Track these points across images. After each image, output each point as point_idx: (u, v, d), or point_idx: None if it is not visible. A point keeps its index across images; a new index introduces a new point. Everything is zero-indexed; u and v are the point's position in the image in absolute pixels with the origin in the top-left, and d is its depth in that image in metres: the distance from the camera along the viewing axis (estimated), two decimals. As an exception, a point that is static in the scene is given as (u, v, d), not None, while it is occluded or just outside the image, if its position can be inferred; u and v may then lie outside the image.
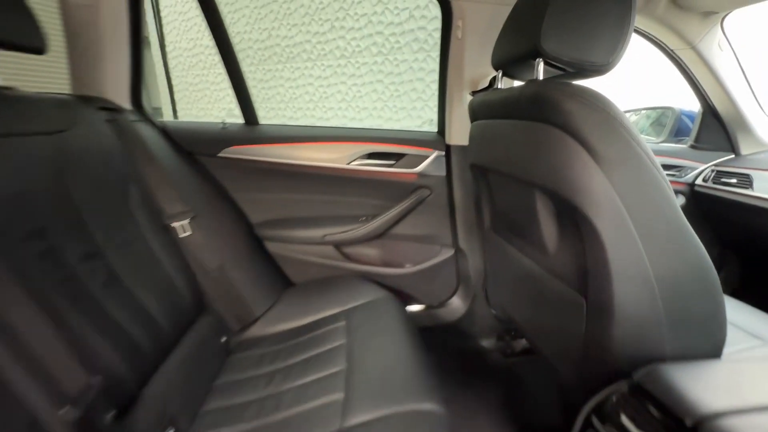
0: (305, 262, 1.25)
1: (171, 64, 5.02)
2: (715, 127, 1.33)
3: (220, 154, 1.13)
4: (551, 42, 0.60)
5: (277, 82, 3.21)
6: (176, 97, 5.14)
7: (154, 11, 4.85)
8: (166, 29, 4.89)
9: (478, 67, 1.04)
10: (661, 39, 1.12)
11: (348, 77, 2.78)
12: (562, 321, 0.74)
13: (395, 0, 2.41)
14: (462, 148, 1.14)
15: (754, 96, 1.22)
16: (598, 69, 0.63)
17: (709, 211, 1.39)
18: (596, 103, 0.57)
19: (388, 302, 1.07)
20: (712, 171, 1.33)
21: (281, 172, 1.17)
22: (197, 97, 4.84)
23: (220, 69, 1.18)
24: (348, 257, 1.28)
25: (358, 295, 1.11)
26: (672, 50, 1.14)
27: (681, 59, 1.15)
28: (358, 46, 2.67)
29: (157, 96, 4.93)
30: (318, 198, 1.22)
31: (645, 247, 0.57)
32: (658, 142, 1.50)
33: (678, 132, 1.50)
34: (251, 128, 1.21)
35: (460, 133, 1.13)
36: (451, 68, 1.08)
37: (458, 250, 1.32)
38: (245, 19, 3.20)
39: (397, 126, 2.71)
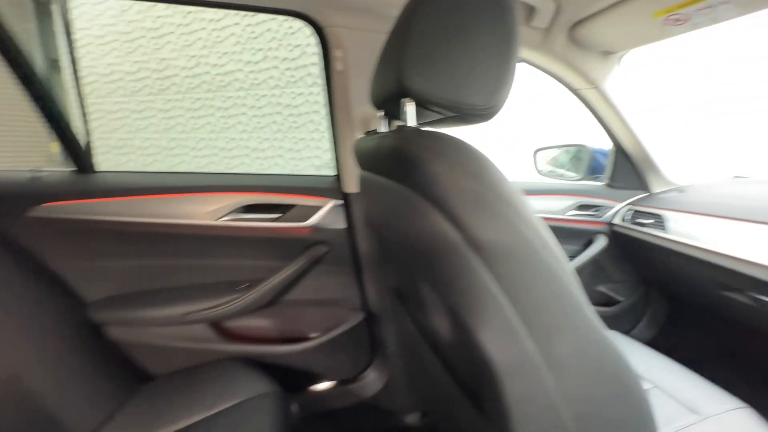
0: (166, 349, 0.96)
1: (86, 90, 4.55)
2: (627, 166, 1.30)
3: (30, 214, 0.83)
4: (417, 79, 0.45)
5: (177, 112, 3.05)
6: (93, 125, 4.68)
7: (66, 33, 4.42)
8: (79, 53, 4.48)
9: (367, 105, 0.89)
10: (565, 78, 1.06)
11: (248, 108, 2.80)
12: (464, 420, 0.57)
13: (289, 37, 2.55)
14: (358, 196, 0.96)
15: (656, 135, 1.21)
16: (481, 113, 0.48)
17: (630, 251, 1.35)
18: (469, 165, 0.41)
19: (266, 402, 0.82)
20: (629, 210, 1.29)
21: (125, 234, 0.90)
22: (116, 126, 4.40)
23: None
24: (228, 335, 1.02)
25: (233, 389, 0.85)
26: (577, 89, 1.08)
27: (586, 99, 1.10)
28: (256, 78, 2.70)
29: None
30: (179, 264, 0.96)
31: (545, 358, 0.41)
32: (576, 180, 1.46)
33: (593, 170, 1.48)
34: (82, 177, 0.93)
35: (356, 179, 0.95)
36: (337, 106, 0.92)
37: (369, 314, 1.12)
38: (143, 48, 3.02)
39: (297, 157, 2.73)
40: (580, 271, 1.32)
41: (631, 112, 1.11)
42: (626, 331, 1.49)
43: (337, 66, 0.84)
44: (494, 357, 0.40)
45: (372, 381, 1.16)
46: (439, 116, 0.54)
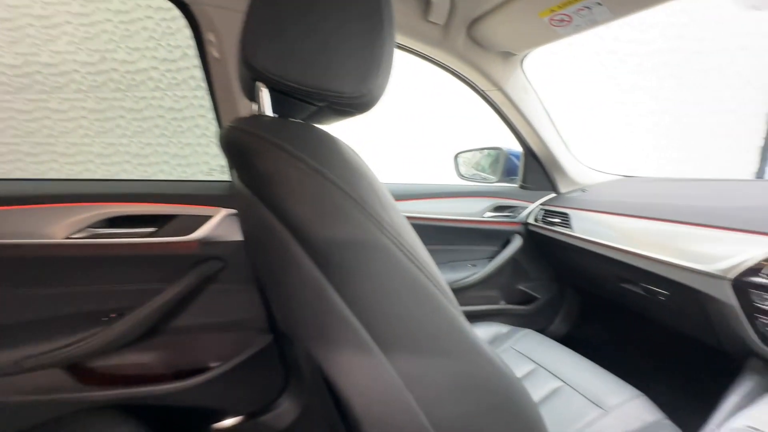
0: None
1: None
2: (537, 168, 1.35)
3: None
4: (265, 58, 0.36)
5: (42, 113, 2.70)
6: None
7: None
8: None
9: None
10: (470, 79, 1.06)
11: (127, 111, 2.58)
12: None
13: (168, 37, 2.40)
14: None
15: (560, 137, 1.27)
16: (352, 103, 0.41)
17: (543, 249, 1.40)
18: (315, 157, 0.33)
19: None
20: (540, 210, 1.34)
21: None
22: (31, 129, 3.74)
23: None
24: (94, 379, 0.83)
25: None
26: (482, 91, 1.09)
27: (492, 101, 1.12)
28: (134, 79, 2.51)
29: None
30: (18, 294, 0.76)
31: (406, 380, 0.34)
32: (493, 183, 1.50)
33: (509, 171, 1.53)
34: None
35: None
36: (220, 100, 0.80)
37: (278, 334, 1.00)
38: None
39: (185, 163, 2.58)
40: (501, 270, 1.33)
41: (535, 114, 1.15)
42: (543, 328, 1.54)
43: (213, 52, 0.73)
44: (343, 381, 0.33)
45: (286, 410, 1.04)
46: (310, 108, 0.47)
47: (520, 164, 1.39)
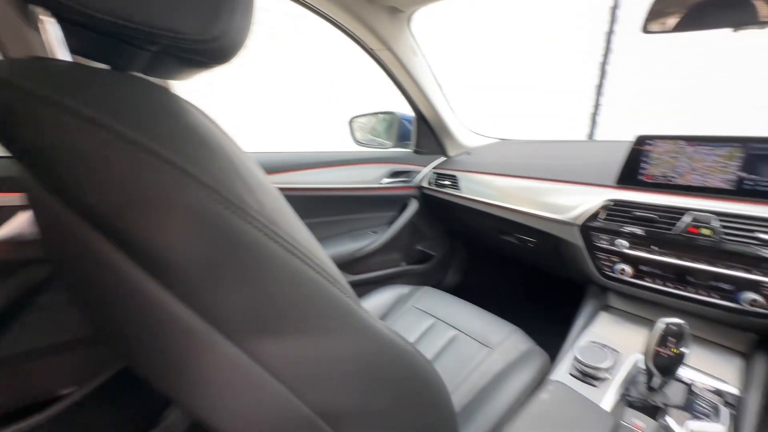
0: None
1: None
2: (428, 132, 1.39)
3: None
4: None
5: None
6: None
7: None
8: None
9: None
10: (359, 36, 0.99)
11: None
12: None
13: None
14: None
15: (447, 101, 1.32)
16: (202, 49, 0.30)
17: (436, 211, 1.49)
18: (119, 127, 0.23)
19: None
20: (433, 174, 1.40)
21: None
22: None
23: None
24: None
25: None
26: (372, 50, 1.03)
27: (382, 61, 1.07)
28: None
29: None
30: None
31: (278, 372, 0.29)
32: (389, 148, 1.50)
33: (403, 136, 1.55)
34: None
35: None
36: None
37: None
38: None
39: None
40: (401, 234, 1.37)
41: (424, 77, 1.16)
42: (439, 282, 1.69)
43: None
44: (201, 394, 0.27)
45: (174, 423, 0.91)
46: (139, 54, 0.34)
47: (412, 129, 1.41)
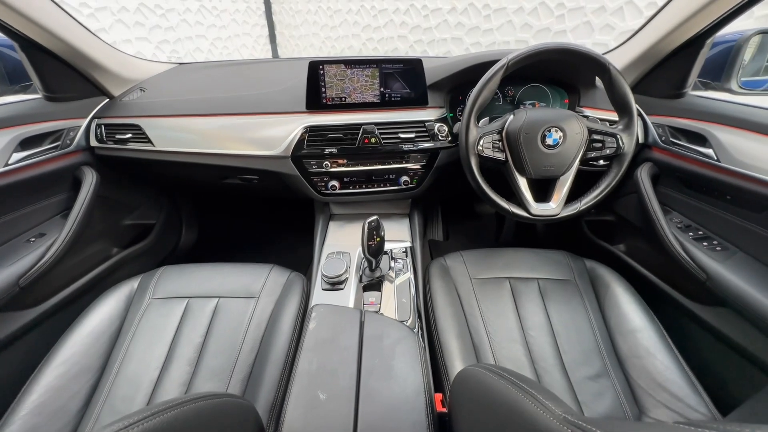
0: None
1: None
2: (61, 68, 0.94)
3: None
4: None
5: None
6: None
7: None
8: None
9: None
10: None
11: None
12: None
13: None
14: None
15: (84, 27, 0.91)
16: None
17: (129, 171, 1.16)
18: None
19: None
20: (99, 127, 1.03)
21: None
22: None
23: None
24: None
25: None
26: None
27: None
28: None
29: None
30: None
31: None
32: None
33: (11, 77, 0.98)
34: None
35: None
36: None
37: None
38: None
39: None
40: (89, 218, 1.00)
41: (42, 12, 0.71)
42: (174, 249, 1.46)
43: None
44: None
45: None
46: None
47: (26, 66, 0.91)
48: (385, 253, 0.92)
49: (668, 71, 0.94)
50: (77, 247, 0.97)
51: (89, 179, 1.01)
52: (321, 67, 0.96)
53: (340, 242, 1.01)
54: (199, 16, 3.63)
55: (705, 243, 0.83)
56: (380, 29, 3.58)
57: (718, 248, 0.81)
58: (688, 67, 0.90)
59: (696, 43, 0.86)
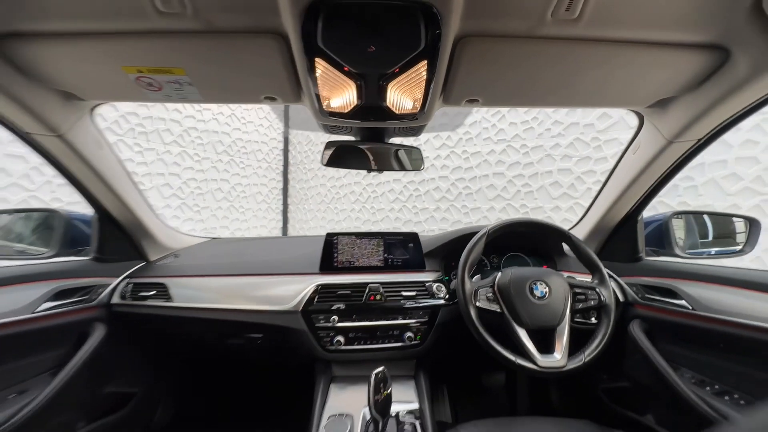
0: None
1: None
2: (117, 234, 1.13)
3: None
4: None
5: None
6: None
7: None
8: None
9: None
10: (6, 116, 0.72)
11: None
12: None
13: None
14: None
15: (144, 199, 1.17)
16: None
17: (136, 331, 1.18)
18: None
19: None
20: (128, 284, 1.12)
21: None
22: None
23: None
24: None
25: None
26: (28, 133, 0.77)
27: (46, 148, 0.82)
28: None
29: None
30: None
31: None
32: (48, 258, 1.07)
33: (73, 242, 1.16)
34: None
35: None
36: None
37: None
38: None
39: None
40: (76, 380, 0.94)
41: (113, 173, 0.98)
42: (147, 426, 1.28)
43: None
44: None
45: None
46: None
47: (93, 231, 1.10)
48: (392, 416, 0.84)
49: (621, 241, 1.15)
50: (49, 412, 0.88)
51: (97, 335, 1.02)
52: (336, 237, 1.16)
53: (342, 405, 0.93)
54: (228, 213, 4.36)
55: (726, 397, 0.80)
56: (378, 223, 4.26)
57: (741, 402, 0.77)
58: (633, 237, 1.11)
59: (631, 219, 1.11)
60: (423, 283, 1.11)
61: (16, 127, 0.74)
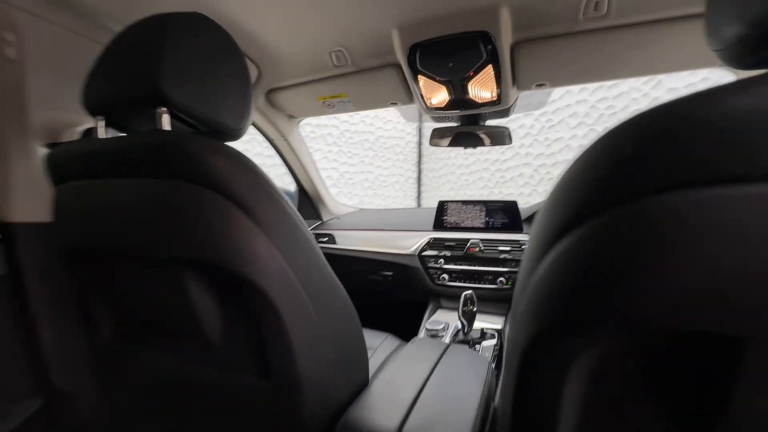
0: None
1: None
2: (307, 202, 1.77)
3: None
4: (176, 91, 0.51)
5: None
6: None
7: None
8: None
9: (56, 110, 0.73)
10: (265, 129, 1.36)
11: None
12: (240, 420, 0.61)
13: None
14: (37, 226, 0.72)
15: (321, 179, 1.77)
16: (230, 133, 0.61)
17: None
18: (244, 161, 0.52)
19: None
20: (312, 233, 1.76)
21: None
22: None
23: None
24: None
25: None
26: (272, 139, 1.41)
27: (278, 148, 1.45)
28: None
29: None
30: None
31: (314, 306, 0.56)
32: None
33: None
34: None
35: (29, 204, 0.71)
36: (5, 106, 0.68)
37: (55, 393, 0.80)
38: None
39: None
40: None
41: (307, 161, 1.58)
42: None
43: (8, 52, 0.64)
44: (281, 309, 0.52)
45: None
46: (188, 129, 0.61)
47: (294, 200, 1.77)
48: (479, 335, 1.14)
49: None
50: None
51: None
52: (446, 203, 1.50)
53: (442, 319, 1.28)
54: (372, 200, 5.19)
55: None
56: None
57: None
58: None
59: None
60: (518, 241, 1.33)
61: (268, 135, 1.39)
